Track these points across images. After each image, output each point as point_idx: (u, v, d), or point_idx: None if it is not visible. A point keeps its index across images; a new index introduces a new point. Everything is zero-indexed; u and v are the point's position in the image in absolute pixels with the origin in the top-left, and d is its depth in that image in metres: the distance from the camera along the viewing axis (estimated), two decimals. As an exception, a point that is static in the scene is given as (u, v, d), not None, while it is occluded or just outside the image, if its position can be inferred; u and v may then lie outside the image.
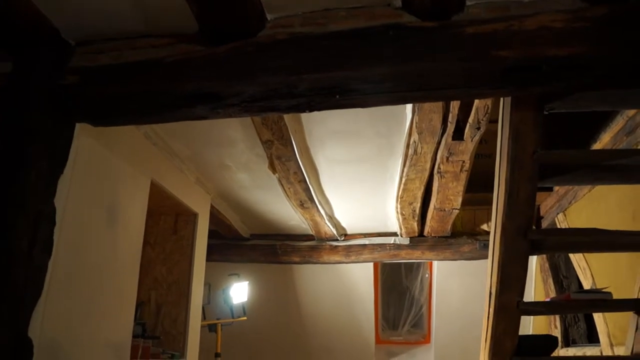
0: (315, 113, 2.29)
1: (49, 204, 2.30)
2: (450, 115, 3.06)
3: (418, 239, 5.82)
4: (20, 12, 2.08)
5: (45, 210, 2.27)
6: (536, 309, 2.93)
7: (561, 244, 2.75)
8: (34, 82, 2.27)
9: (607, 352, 3.73)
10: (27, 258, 2.14)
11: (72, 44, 2.30)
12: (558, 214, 4.68)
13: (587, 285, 4.10)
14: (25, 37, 2.24)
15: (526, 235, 2.37)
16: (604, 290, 2.72)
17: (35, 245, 2.18)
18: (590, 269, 4.08)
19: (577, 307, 3.19)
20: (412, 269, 6.45)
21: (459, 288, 5.90)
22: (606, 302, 2.67)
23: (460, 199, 4.39)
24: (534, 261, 5.41)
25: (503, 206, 2.37)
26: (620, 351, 3.43)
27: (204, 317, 5.07)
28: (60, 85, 2.25)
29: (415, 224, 5.31)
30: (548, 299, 3.92)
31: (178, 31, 2.18)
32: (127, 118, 2.52)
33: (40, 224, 2.23)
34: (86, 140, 2.63)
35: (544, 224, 4.99)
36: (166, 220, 4.53)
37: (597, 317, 3.96)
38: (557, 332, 4.81)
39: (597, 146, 3.66)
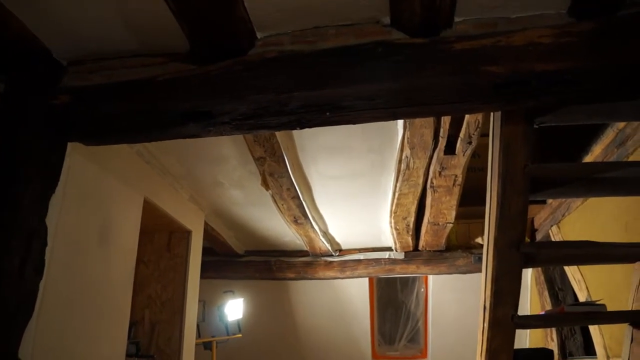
0: (307, 129, 2.29)
1: (41, 222, 2.29)
2: (442, 130, 3.08)
3: (413, 254, 5.83)
4: (11, 33, 2.08)
5: (37, 229, 2.26)
6: (531, 322, 2.92)
7: (554, 257, 2.76)
8: (26, 102, 2.27)
9: (603, 364, 3.73)
10: (18, 278, 2.12)
11: (64, 63, 2.30)
12: (552, 226, 4.69)
13: (582, 297, 4.11)
14: (17, 58, 2.24)
15: (519, 249, 2.38)
16: (598, 302, 2.72)
17: (27, 265, 2.16)
18: (585, 281, 4.09)
19: (572, 320, 3.19)
20: (407, 283, 6.45)
21: (455, 302, 5.90)
22: (600, 314, 2.68)
23: (453, 213, 4.40)
24: (529, 274, 5.41)
25: (495, 220, 2.38)
26: (616, 363, 3.43)
27: (198, 335, 5.04)
28: (52, 104, 2.25)
29: (410, 239, 5.31)
30: (543, 312, 3.92)
31: (170, 50, 2.19)
32: (119, 137, 2.51)
33: (32, 243, 2.21)
34: (78, 159, 2.62)
35: (538, 237, 5.00)
36: (160, 238, 4.52)
37: (593, 330, 3.96)
38: (553, 345, 4.80)
39: (588, 158, 3.68)
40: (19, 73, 2.30)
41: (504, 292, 2.44)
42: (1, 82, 2.32)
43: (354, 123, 2.22)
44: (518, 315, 2.46)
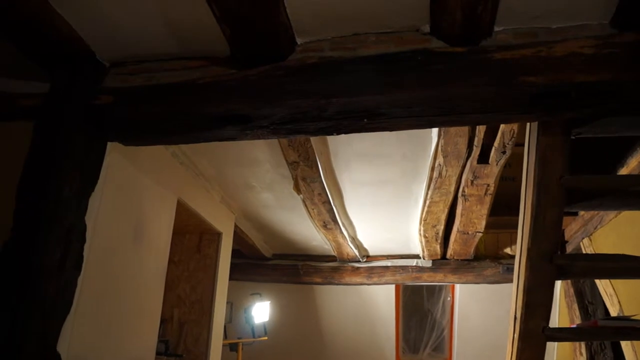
0: (342, 135, 2.31)
1: (80, 220, 2.34)
2: (476, 139, 3.07)
3: (440, 262, 5.79)
4: (59, 34, 2.15)
5: (76, 226, 2.31)
6: (562, 335, 2.87)
7: (588, 270, 2.71)
8: (69, 102, 2.32)
9: (635, 381, 3.66)
10: (58, 273, 2.18)
11: (107, 65, 2.36)
12: (583, 238, 4.61)
13: (614, 312, 4.03)
14: (63, 59, 2.30)
15: (552, 260, 2.35)
16: (633, 317, 2.67)
17: (67, 261, 2.22)
18: (617, 296, 4.01)
19: (605, 335, 3.13)
20: (434, 291, 6.40)
21: (482, 312, 5.84)
22: (636, 330, 2.62)
23: (484, 222, 4.37)
24: (558, 286, 5.33)
25: (529, 231, 2.35)
26: (648, 381, 3.36)
27: (225, 336, 5.08)
28: (94, 105, 2.30)
29: (438, 247, 5.28)
30: (574, 325, 3.86)
31: (210, 54, 2.23)
32: (158, 138, 2.57)
33: (72, 239, 2.27)
34: (117, 159, 2.68)
35: (569, 249, 4.92)
36: (191, 238, 4.58)
37: (625, 345, 3.89)
38: (582, 360, 4.72)
39: (624, 171, 3.62)
40: (63, 73, 2.36)
41: (536, 304, 2.41)
42: (46, 82, 2.39)
43: (390, 130, 2.23)
44: (549, 328, 2.43)
